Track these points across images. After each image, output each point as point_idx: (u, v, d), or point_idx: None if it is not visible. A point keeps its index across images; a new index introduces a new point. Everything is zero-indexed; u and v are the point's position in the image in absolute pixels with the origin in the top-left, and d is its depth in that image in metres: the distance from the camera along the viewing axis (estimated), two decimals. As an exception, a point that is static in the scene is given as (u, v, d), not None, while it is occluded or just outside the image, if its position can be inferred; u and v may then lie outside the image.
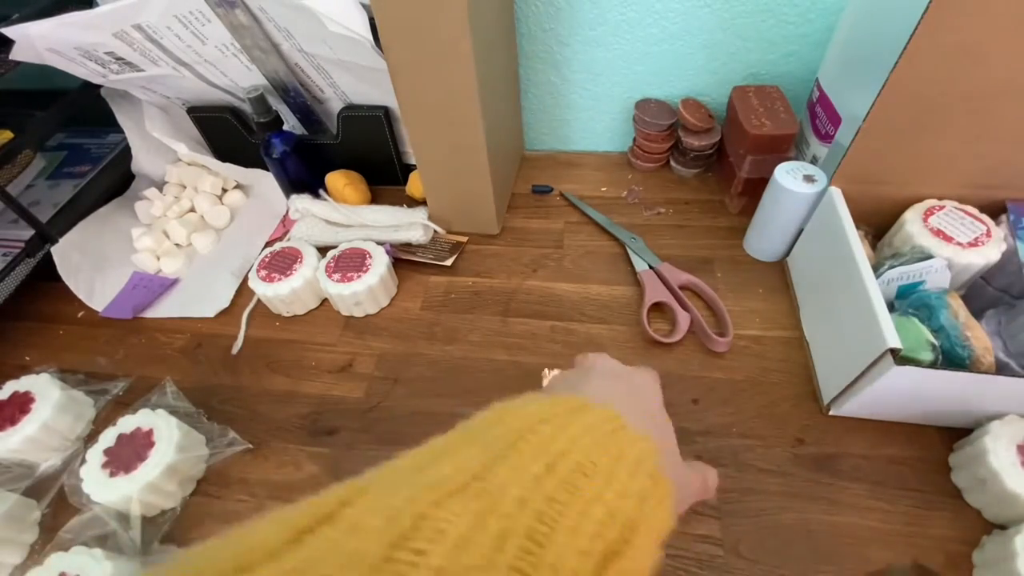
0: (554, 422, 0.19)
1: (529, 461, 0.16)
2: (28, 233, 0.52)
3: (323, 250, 0.53)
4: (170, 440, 0.39)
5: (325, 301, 0.53)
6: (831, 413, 0.41)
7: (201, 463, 0.42)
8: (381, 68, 0.46)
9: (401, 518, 0.14)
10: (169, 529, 0.39)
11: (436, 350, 0.48)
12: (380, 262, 0.50)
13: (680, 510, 0.23)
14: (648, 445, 0.20)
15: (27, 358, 0.51)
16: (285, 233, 0.59)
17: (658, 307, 0.49)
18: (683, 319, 0.46)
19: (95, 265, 0.56)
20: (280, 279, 0.49)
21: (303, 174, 0.58)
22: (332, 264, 0.50)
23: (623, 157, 0.65)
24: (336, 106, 0.58)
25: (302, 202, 0.57)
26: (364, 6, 0.44)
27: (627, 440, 0.20)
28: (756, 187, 0.51)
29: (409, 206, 0.59)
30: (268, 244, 0.59)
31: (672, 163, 0.62)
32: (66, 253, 0.54)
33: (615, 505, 0.17)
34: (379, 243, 0.52)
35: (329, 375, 0.47)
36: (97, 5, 0.50)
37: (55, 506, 0.41)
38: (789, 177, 0.46)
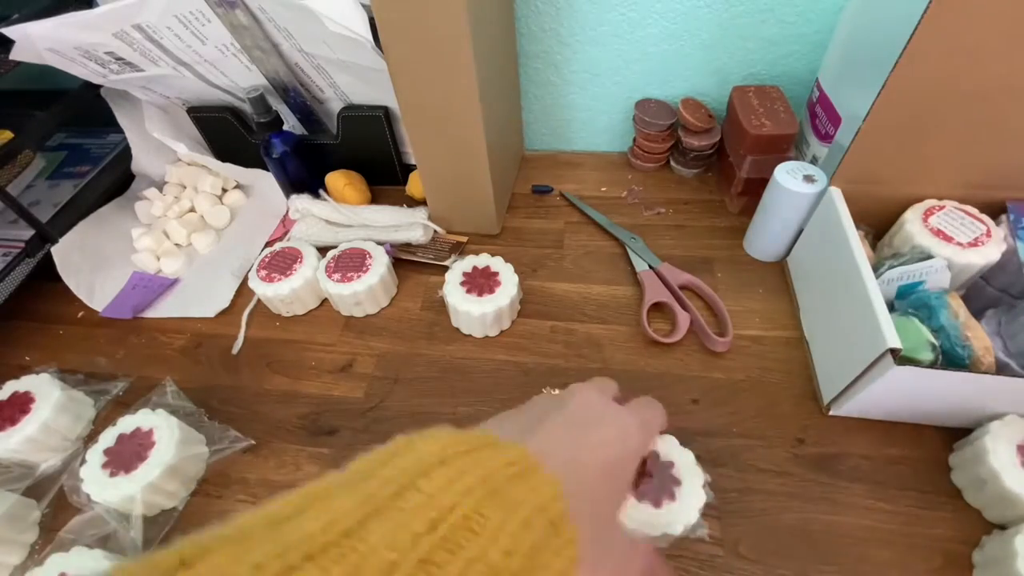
0: (453, 464, 0.18)
1: (411, 517, 0.15)
2: (28, 233, 0.52)
3: (323, 250, 0.53)
4: (170, 440, 0.39)
5: (325, 301, 0.53)
6: (831, 413, 0.41)
7: (201, 462, 0.42)
8: (381, 68, 0.46)
9: None
10: (170, 529, 0.39)
11: (436, 350, 0.48)
12: (380, 262, 0.50)
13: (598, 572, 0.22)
14: (555, 489, 0.19)
15: (27, 358, 0.51)
16: (285, 233, 0.59)
17: (658, 307, 0.49)
18: (683, 319, 0.46)
19: (95, 265, 0.56)
20: (280, 279, 0.49)
21: (303, 174, 0.58)
22: (332, 264, 0.50)
23: (623, 157, 0.65)
24: (336, 106, 0.58)
25: (302, 202, 0.57)
26: (364, 6, 0.44)
27: (531, 485, 0.19)
28: (756, 187, 0.51)
29: (409, 206, 0.59)
30: (268, 244, 0.59)
31: (672, 163, 0.62)
32: (66, 253, 0.54)
33: (499, 564, 0.15)
34: (379, 243, 0.52)
35: (329, 375, 0.47)
36: (97, 5, 0.50)
37: (55, 506, 0.41)
38: (789, 177, 0.46)
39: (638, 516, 0.32)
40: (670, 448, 0.34)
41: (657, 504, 0.32)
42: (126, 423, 0.41)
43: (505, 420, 0.26)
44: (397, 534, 0.15)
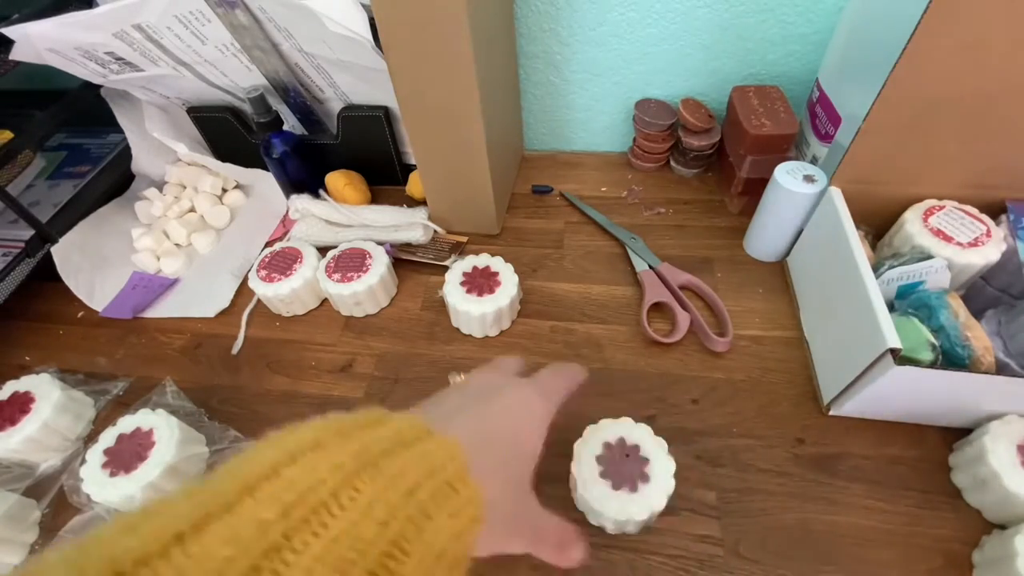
0: (328, 447, 0.17)
1: (262, 506, 0.15)
2: (28, 233, 0.52)
3: (323, 250, 0.53)
4: (170, 440, 0.39)
5: (325, 301, 0.53)
6: (831, 413, 0.41)
7: (201, 462, 0.42)
8: (381, 68, 0.46)
9: None
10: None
11: (436, 350, 0.48)
12: (380, 262, 0.50)
13: (511, 537, 0.22)
14: (451, 449, 0.19)
15: (27, 358, 0.51)
16: (285, 233, 0.59)
17: (658, 307, 0.49)
18: (683, 319, 0.46)
19: (95, 265, 0.56)
20: (280, 279, 0.49)
21: (303, 174, 0.58)
22: (332, 264, 0.50)
23: (623, 157, 0.65)
24: (336, 106, 0.58)
25: (302, 202, 0.57)
26: (364, 6, 0.44)
27: (421, 451, 0.19)
28: (756, 187, 0.51)
29: (409, 206, 0.59)
30: (268, 244, 0.59)
31: (672, 163, 0.62)
32: (66, 253, 0.54)
33: (370, 536, 0.15)
34: (379, 243, 0.52)
35: (329, 375, 0.47)
36: (97, 5, 0.50)
37: (55, 506, 0.41)
38: (789, 177, 0.46)
39: (618, 504, 0.33)
40: (630, 431, 0.36)
41: (633, 488, 0.33)
42: (126, 423, 0.41)
43: (420, 408, 0.26)
44: (240, 527, 0.14)
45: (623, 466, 0.34)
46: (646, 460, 0.35)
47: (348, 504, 0.16)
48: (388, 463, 0.18)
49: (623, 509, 0.33)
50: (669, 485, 0.34)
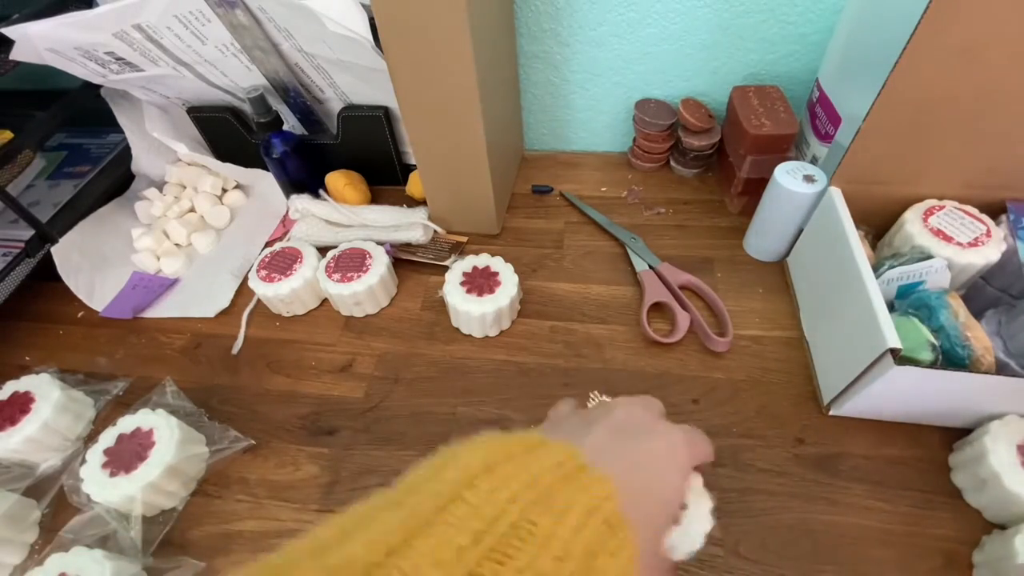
0: (498, 471, 0.18)
1: (456, 531, 0.15)
2: (28, 233, 0.52)
3: (323, 250, 0.53)
4: (170, 440, 0.39)
5: (325, 301, 0.53)
6: (831, 413, 0.41)
7: (201, 462, 0.42)
8: (381, 68, 0.46)
9: None
10: (170, 529, 0.39)
11: (436, 350, 0.48)
12: (380, 262, 0.50)
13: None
14: (607, 487, 0.19)
15: (27, 358, 0.51)
16: (285, 233, 0.59)
17: (658, 307, 0.49)
18: (683, 319, 0.46)
19: (95, 265, 0.56)
20: (280, 279, 0.49)
21: (303, 174, 0.58)
22: (332, 264, 0.50)
23: (623, 157, 0.65)
24: (336, 106, 0.58)
25: (302, 202, 0.57)
26: (364, 6, 0.44)
27: (581, 484, 0.19)
28: (756, 187, 0.51)
29: (409, 206, 0.59)
30: (268, 244, 0.59)
31: (672, 163, 0.62)
32: (66, 253, 0.54)
33: (550, 571, 0.16)
34: (379, 243, 0.52)
35: (329, 375, 0.47)
36: (97, 5, 0.50)
37: (55, 506, 0.41)
38: (789, 177, 0.46)
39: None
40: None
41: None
42: (126, 423, 0.41)
43: (556, 425, 0.26)
44: (441, 549, 0.15)
45: None
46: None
47: (527, 537, 0.16)
48: (558, 495, 0.18)
49: None
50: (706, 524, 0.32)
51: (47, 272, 0.53)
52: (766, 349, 0.45)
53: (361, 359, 0.48)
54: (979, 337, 0.35)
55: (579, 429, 0.24)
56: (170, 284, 0.56)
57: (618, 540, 0.18)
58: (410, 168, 0.61)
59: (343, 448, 0.42)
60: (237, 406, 0.46)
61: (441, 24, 0.39)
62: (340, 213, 0.56)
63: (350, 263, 0.50)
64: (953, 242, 0.40)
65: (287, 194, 0.60)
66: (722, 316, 0.47)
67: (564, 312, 0.50)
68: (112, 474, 0.38)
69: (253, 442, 0.43)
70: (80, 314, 0.54)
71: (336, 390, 0.46)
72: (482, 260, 0.49)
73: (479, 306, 0.45)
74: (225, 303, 0.53)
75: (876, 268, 0.40)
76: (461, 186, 0.52)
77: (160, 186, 0.63)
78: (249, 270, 0.53)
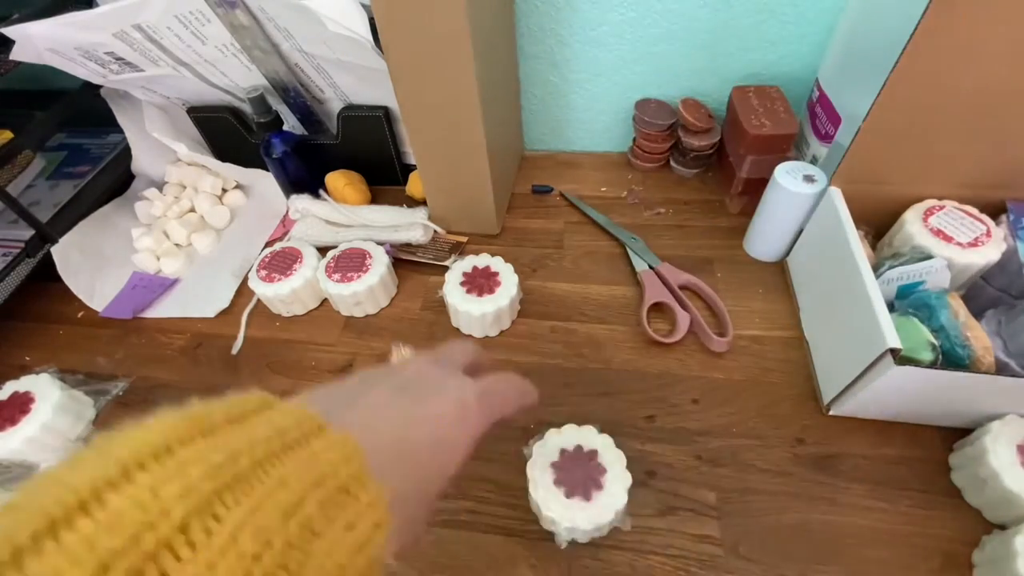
0: (179, 454, 0.13)
1: (65, 561, 0.11)
2: (28, 233, 0.52)
3: (323, 250, 0.53)
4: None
5: (325, 301, 0.53)
6: (831, 413, 0.41)
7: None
8: (381, 68, 0.46)
9: None
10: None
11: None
12: (380, 262, 0.50)
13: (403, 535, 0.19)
14: (347, 448, 0.16)
15: (27, 358, 0.51)
16: (285, 233, 0.59)
17: (658, 307, 0.49)
18: (683, 319, 0.46)
19: (95, 265, 0.56)
20: (280, 279, 0.49)
21: (303, 174, 0.58)
22: (332, 264, 0.50)
23: (623, 157, 0.65)
24: (336, 106, 0.58)
25: (302, 202, 0.57)
26: (364, 6, 0.44)
27: (312, 452, 0.16)
28: (756, 187, 0.51)
29: (409, 206, 0.59)
30: (268, 244, 0.59)
31: (672, 163, 0.62)
32: (66, 253, 0.54)
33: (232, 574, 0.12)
34: (379, 243, 0.52)
35: (329, 375, 0.47)
36: (97, 5, 0.50)
37: (55, 506, 0.41)
38: (789, 177, 0.46)
39: (572, 513, 0.33)
40: (590, 437, 0.36)
41: (587, 498, 0.33)
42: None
43: (321, 393, 0.22)
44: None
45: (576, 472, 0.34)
46: (601, 467, 0.34)
47: (202, 541, 0.12)
48: (263, 475, 0.14)
49: (585, 518, 0.33)
50: (625, 481, 0.34)
51: (47, 272, 0.53)
52: (766, 349, 0.45)
53: (361, 359, 0.48)
54: (979, 337, 0.35)
55: (353, 393, 0.22)
56: (170, 284, 0.56)
57: (360, 505, 0.15)
58: (410, 168, 0.61)
59: (343, 448, 0.42)
60: (237, 406, 0.46)
61: (441, 24, 0.39)
62: (340, 213, 0.56)
63: (350, 263, 0.50)
64: (953, 242, 0.40)
65: (287, 194, 0.60)
66: (722, 316, 0.47)
67: (564, 312, 0.50)
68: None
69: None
70: (80, 314, 0.54)
71: (336, 390, 0.46)
72: (482, 260, 0.49)
73: (479, 306, 0.45)
74: (225, 303, 0.53)
75: (876, 268, 0.40)
76: (461, 186, 0.52)
77: (160, 186, 0.63)
78: (249, 270, 0.53)
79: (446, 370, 0.25)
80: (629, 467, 0.35)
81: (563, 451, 0.35)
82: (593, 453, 0.35)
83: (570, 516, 0.33)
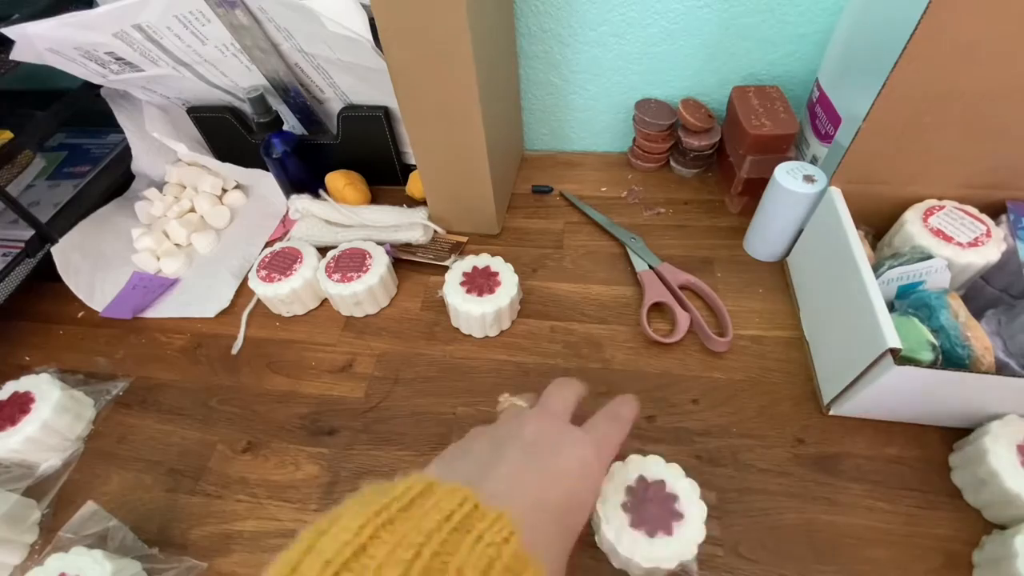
0: (376, 547, 0.16)
1: None
2: (28, 233, 0.52)
3: (323, 250, 0.53)
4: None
5: (325, 301, 0.53)
6: (831, 413, 0.41)
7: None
8: (381, 68, 0.46)
9: None
10: (170, 528, 0.39)
11: (436, 350, 0.48)
12: (380, 262, 0.50)
13: None
14: (505, 528, 0.18)
15: (27, 358, 0.51)
16: (285, 233, 0.59)
17: (658, 307, 0.49)
18: (683, 319, 0.46)
19: (95, 265, 0.56)
20: (280, 279, 0.49)
21: (303, 174, 0.58)
22: (332, 264, 0.50)
23: (623, 157, 0.65)
24: (336, 106, 0.58)
25: (302, 202, 0.57)
26: (364, 6, 0.44)
27: (477, 533, 0.18)
28: (756, 187, 0.51)
29: (409, 206, 0.59)
30: (268, 244, 0.59)
31: (672, 163, 0.62)
32: (66, 253, 0.54)
33: None
34: (379, 243, 0.52)
35: (329, 375, 0.47)
36: (97, 5, 0.50)
37: (55, 506, 0.41)
38: (789, 177, 0.46)
39: (631, 545, 0.31)
40: (675, 479, 0.33)
41: (652, 535, 0.31)
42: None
43: (455, 460, 0.24)
44: None
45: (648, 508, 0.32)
46: (678, 513, 0.32)
47: None
48: (443, 566, 0.16)
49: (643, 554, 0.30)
50: (699, 533, 0.31)
51: (47, 272, 0.53)
52: (766, 349, 0.45)
53: (361, 359, 0.48)
54: (979, 337, 0.35)
55: (486, 458, 0.23)
56: (170, 284, 0.56)
57: None
58: (410, 168, 0.61)
59: (343, 448, 0.42)
60: (237, 406, 0.46)
61: (441, 24, 0.39)
62: (340, 213, 0.56)
63: (350, 263, 0.50)
64: (953, 242, 0.40)
65: (287, 194, 0.60)
66: (722, 316, 0.47)
67: (564, 312, 0.50)
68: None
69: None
70: (80, 314, 0.54)
71: (336, 390, 0.46)
72: (482, 260, 0.49)
73: (479, 306, 0.45)
74: (225, 303, 0.53)
75: (876, 268, 0.40)
76: (461, 186, 0.52)
77: (160, 186, 0.63)
78: (249, 270, 0.53)
79: (560, 424, 0.27)
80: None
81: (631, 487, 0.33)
82: (673, 496, 0.32)
83: (652, 554, 0.30)
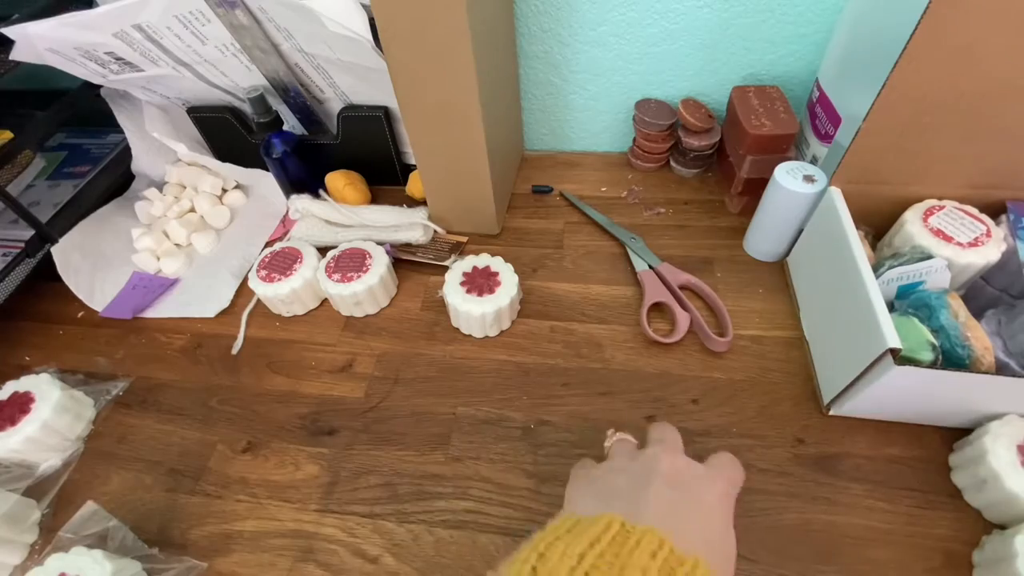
0: (602, 564, 0.19)
1: None
2: (28, 233, 0.52)
3: (323, 250, 0.53)
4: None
5: (325, 301, 0.53)
6: (831, 413, 0.41)
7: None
8: (381, 68, 0.46)
9: None
10: (170, 528, 0.39)
11: (436, 350, 0.48)
12: (380, 262, 0.50)
13: None
14: (699, 569, 0.20)
15: (27, 358, 0.51)
16: (285, 233, 0.59)
17: (658, 307, 0.49)
18: (683, 319, 0.46)
19: (95, 265, 0.56)
20: (280, 279, 0.49)
21: (303, 174, 0.58)
22: (332, 264, 0.50)
23: (623, 157, 0.65)
24: (336, 106, 0.58)
25: (302, 202, 0.57)
26: (364, 6, 0.44)
27: (671, 564, 0.20)
28: (756, 187, 0.51)
29: (409, 206, 0.59)
30: (268, 244, 0.59)
31: (672, 163, 0.62)
32: (66, 253, 0.54)
33: None
34: (379, 243, 0.52)
35: (329, 375, 0.47)
36: (97, 5, 0.50)
37: (55, 506, 0.41)
38: (789, 177, 0.46)
39: None
40: None
41: None
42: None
43: (602, 495, 0.26)
44: None
45: None
46: None
47: None
48: None
49: None
50: None
51: (47, 272, 0.53)
52: (766, 349, 0.45)
53: (361, 359, 0.48)
54: (979, 337, 0.35)
55: (633, 494, 0.24)
56: (170, 284, 0.56)
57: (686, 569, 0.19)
58: (410, 168, 0.61)
59: (343, 448, 0.42)
60: (237, 406, 0.46)
61: (441, 24, 0.39)
62: (340, 213, 0.56)
63: (350, 263, 0.50)
64: (953, 242, 0.40)
65: (287, 194, 0.60)
66: (722, 316, 0.47)
67: (564, 312, 0.50)
68: None
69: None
70: (80, 314, 0.54)
71: (336, 390, 0.46)
72: (482, 260, 0.49)
73: (479, 306, 0.45)
74: (225, 303, 0.53)
75: (876, 268, 0.40)
76: (461, 186, 0.52)
77: (160, 186, 0.63)
78: (249, 270, 0.53)
79: (689, 460, 0.28)
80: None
81: None
82: None
83: None
